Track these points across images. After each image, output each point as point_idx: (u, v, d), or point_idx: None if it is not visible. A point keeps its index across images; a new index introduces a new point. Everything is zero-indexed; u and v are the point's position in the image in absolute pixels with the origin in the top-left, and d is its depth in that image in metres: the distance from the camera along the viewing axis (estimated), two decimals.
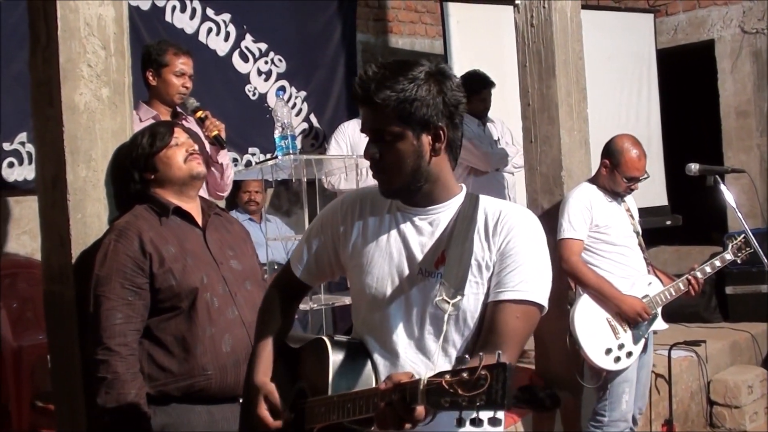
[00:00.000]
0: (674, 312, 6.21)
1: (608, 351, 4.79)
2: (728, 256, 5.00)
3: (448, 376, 1.80)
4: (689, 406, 6.66)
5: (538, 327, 2.37)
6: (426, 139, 2.25)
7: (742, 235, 4.98)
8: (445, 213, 2.35)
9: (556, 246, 4.84)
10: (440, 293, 2.24)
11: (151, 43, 4.88)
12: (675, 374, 6.33)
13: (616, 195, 4.98)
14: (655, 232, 8.07)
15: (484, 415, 1.75)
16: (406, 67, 2.24)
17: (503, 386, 1.72)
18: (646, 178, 4.97)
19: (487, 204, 2.36)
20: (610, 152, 4.95)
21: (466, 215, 2.33)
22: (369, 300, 2.39)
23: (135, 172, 3.33)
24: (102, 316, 3.07)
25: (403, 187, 2.30)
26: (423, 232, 2.35)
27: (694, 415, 6.71)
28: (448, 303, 2.23)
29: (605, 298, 4.80)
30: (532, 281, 2.25)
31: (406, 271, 2.34)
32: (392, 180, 2.29)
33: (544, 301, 2.26)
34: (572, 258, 4.85)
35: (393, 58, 8.34)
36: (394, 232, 2.38)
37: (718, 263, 5.00)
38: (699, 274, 4.89)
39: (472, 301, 2.27)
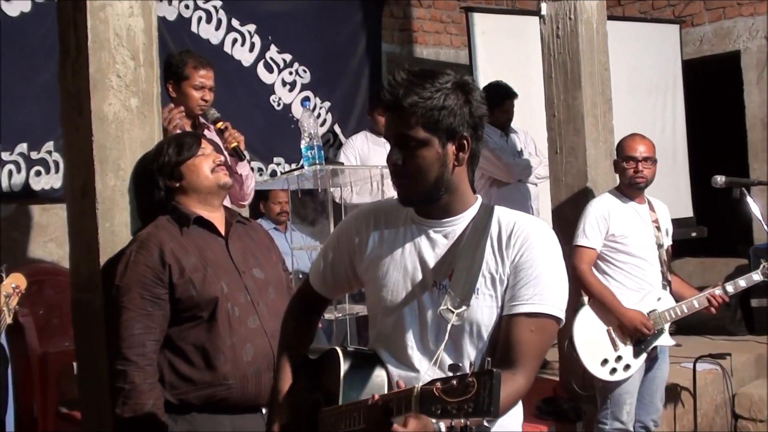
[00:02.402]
0: (699, 325, 6.20)
1: (604, 362, 4.78)
2: (757, 276, 4.83)
3: (439, 384, 1.81)
4: (714, 419, 6.62)
5: (560, 338, 2.37)
6: (450, 148, 2.25)
7: None
8: (460, 224, 2.34)
9: (569, 252, 4.83)
10: (446, 303, 2.24)
11: (173, 54, 4.88)
12: (700, 387, 6.29)
13: (634, 192, 4.93)
14: (680, 244, 8.01)
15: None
16: (434, 75, 2.24)
17: (490, 393, 1.73)
18: (652, 161, 4.89)
19: (501, 215, 2.34)
20: (616, 152, 5.03)
21: (479, 226, 2.32)
22: (384, 312, 2.40)
23: (160, 179, 3.33)
24: (121, 327, 3.09)
25: (423, 195, 2.29)
26: (438, 244, 2.35)
27: (719, 429, 6.67)
28: (452, 312, 2.22)
29: (607, 309, 4.79)
30: (546, 294, 2.23)
31: (421, 284, 2.34)
32: (414, 187, 2.28)
33: (561, 314, 2.24)
34: (581, 266, 4.83)
35: (418, 68, 8.35)
36: (409, 245, 2.38)
37: (743, 282, 4.85)
38: (718, 292, 4.83)
39: (486, 313, 2.26)
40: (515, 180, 6.66)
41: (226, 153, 4.57)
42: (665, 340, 4.89)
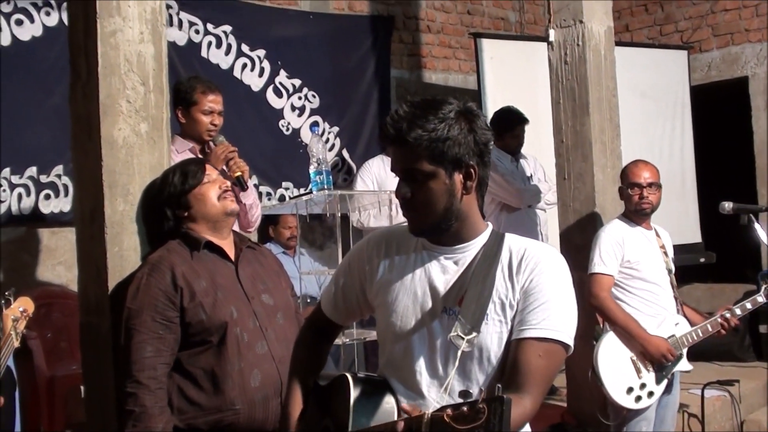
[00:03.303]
0: (707, 350, 6.18)
1: (630, 390, 4.76)
2: (761, 298, 4.89)
3: (449, 410, 1.81)
4: None
5: (569, 365, 2.37)
6: (458, 177, 2.25)
7: None
8: (470, 251, 2.35)
9: (586, 280, 4.83)
10: (456, 329, 2.24)
11: (181, 80, 4.88)
12: (708, 414, 6.26)
13: (641, 218, 4.94)
14: (688, 270, 8.01)
15: None
16: (436, 105, 2.24)
17: (500, 420, 1.73)
18: (657, 187, 4.91)
19: (512, 242, 2.35)
20: (621, 179, 5.05)
21: (490, 253, 2.32)
22: (393, 338, 2.40)
23: (168, 210, 3.35)
24: (132, 349, 3.09)
25: (434, 226, 2.30)
26: (448, 270, 2.35)
27: None
28: (463, 339, 2.22)
29: (631, 337, 4.77)
30: (555, 319, 2.23)
31: (431, 310, 2.34)
32: (424, 219, 2.29)
33: (569, 340, 2.24)
34: (601, 294, 4.82)
35: (427, 93, 8.38)
36: (419, 271, 2.38)
37: (749, 305, 4.89)
38: (728, 315, 4.83)
39: (495, 339, 2.26)
40: (525, 205, 6.66)
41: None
42: (684, 365, 4.90)
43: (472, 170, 2.26)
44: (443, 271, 2.35)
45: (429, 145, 2.19)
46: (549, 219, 6.81)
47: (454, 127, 2.21)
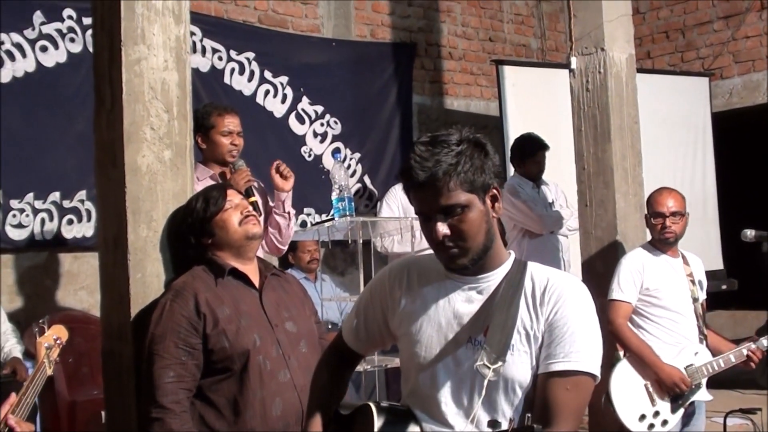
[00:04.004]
0: (730, 379, 6.12)
1: (642, 417, 4.72)
2: None
3: None
4: None
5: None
6: (488, 201, 2.28)
7: None
8: (494, 280, 2.34)
9: (606, 307, 4.81)
10: (482, 358, 2.23)
11: (196, 108, 4.84)
12: None
13: (666, 246, 4.92)
14: (711, 297, 7.95)
15: None
16: (445, 139, 2.25)
17: None
18: (680, 215, 4.88)
19: (534, 271, 2.35)
20: (646, 205, 5.03)
21: (513, 281, 2.32)
22: (417, 368, 2.39)
23: (192, 238, 3.37)
24: (155, 374, 3.09)
25: (479, 256, 2.29)
26: (472, 300, 2.34)
27: None
28: (489, 368, 2.22)
29: (645, 364, 4.75)
30: (581, 351, 2.22)
31: (455, 340, 2.33)
32: (469, 251, 2.28)
33: (596, 371, 2.23)
34: (618, 320, 4.80)
35: (449, 119, 8.45)
36: (443, 301, 2.37)
37: None
38: (755, 346, 4.81)
39: (520, 369, 2.26)
40: (547, 231, 6.65)
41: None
42: (702, 395, 4.84)
43: (496, 191, 2.29)
44: (467, 301, 2.34)
45: (460, 175, 2.21)
46: (571, 245, 6.79)
47: (474, 154, 2.24)
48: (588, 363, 2.21)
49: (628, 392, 4.76)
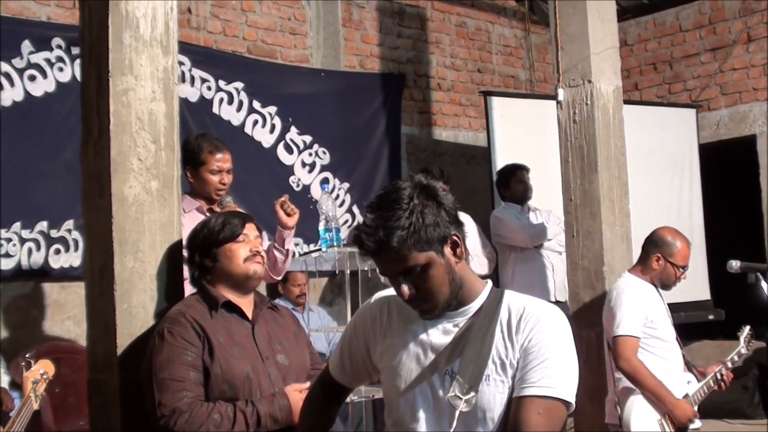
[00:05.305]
0: (717, 408, 6.13)
1: None
2: (744, 350, 5.04)
3: None
4: None
5: (578, 421, 2.36)
6: (447, 251, 2.29)
7: (748, 327, 5.11)
8: (469, 312, 2.37)
9: (612, 343, 4.77)
10: (453, 389, 2.26)
11: (189, 139, 4.80)
12: None
13: (664, 287, 4.94)
14: (697, 327, 7.99)
15: None
16: (395, 198, 2.26)
17: None
18: (687, 269, 4.95)
19: (510, 300, 2.37)
20: (659, 245, 4.92)
21: (488, 311, 2.34)
22: (398, 401, 2.41)
23: (196, 255, 3.38)
24: (165, 400, 3.07)
25: (446, 305, 2.33)
26: (448, 332, 2.37)
27: None
28: (460, 399, 2.24)
29: (661, 401, 4.71)
30: (555, 377, 2.23)
31: (433, 373, 2.36)
32: (436, 304, 2.32)
33: (570, 397, 2.24)
34: (633, 359, 4.72)
35: (437, 150, 8.49)
36: (422, 336, 2.40)
37: (736, 357, 5.00)
38: (724, 369, 4.89)
39: (497, 399, 2.28)
40: (532, 244, 6.71)
41: None
42: (696, 423, 4.85)
43: (456, 238, 2.30)
44: (444, 333, 2.37)
45: (413, 239, 2.22)
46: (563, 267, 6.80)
47: (423, 210, 2.24)
48: (561, 389, 2.23)
49: (647, 429, 4.73)
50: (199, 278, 3.38)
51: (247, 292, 3.41)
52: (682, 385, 4.82)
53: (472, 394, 2.24)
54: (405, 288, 2.28)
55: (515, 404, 2.24)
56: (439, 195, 2.29)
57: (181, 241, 3.52)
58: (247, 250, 3.37)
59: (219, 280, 3.36)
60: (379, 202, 2.27)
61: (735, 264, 4.79)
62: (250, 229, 3.43)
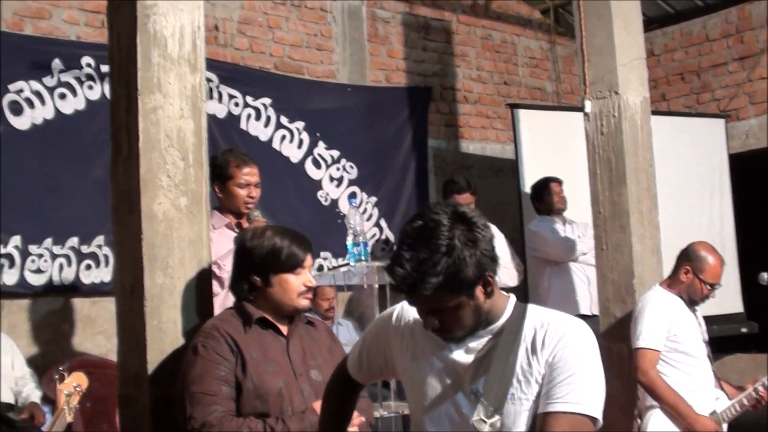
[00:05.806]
0: (744, 425, 6.04)
1: None
2: None
3: None
4: None
5: None
6: (479, 291, 2.26)
7: None
8: (493, 331, 2.35)
9: (632, 355, 4.76)
10: (478, 412, 2.25)
11: (216, 155, 4.81)
12: None
13: (693, 303, 4.90)
14: (730, 340, 7.91)
15: None
16: (432, 232, 2.19)
17: None
18: (720, 287, 4.91)
19: (534, 315, 2.34)
20: (691, 258, 4.88)
21: (513, 329, 2.32)
22: (424, 419, 2.42)
23: (250, 271, 3.32)
24: (198, 413, 3.09)
25: (474, 328, 2.32)
26: (472, 351, 2.35)
27: None
28: (485, 422, 2.23)
29: (680, 416, 4.68)
30: (581, 393, 2.21)
31: (457, 392, 2.35)
32: (459, 335, 2.32)
33: (596, 413, 2.22)
34: (651, 372, 4.71)
35: (464, 163, 8.47)
36: (446, 354, 2.38)
37: None
38: (761, 387, 4.76)
39: (522, 417, 2.26)
40: (567, 259, 6.69)
41: None
42: None
43: (489, 278, 2.27)
44: (468, 352, 2.35)
45: (446, 285, 2.19)
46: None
47: (457, 248, 2.18)
48: (588, 405, 2.21)
49: None
50: (245, 295, 3.35)
51: (287, 319, 3.40)
52: (710, 401, 4.77)
53: (497, 417, 2.23)
54: (430, 321, 2.28)
55: (541, 420, 2.23)
56: (474, 231, 2.23)
57: (210, 257, 3.54)
58: (301, 285, 3.33)
59: (265, 303, 3.33)
60: (414, 236, 2.22)
61: (767, 276, 4.76)
62: (308, 261, 3.38)
